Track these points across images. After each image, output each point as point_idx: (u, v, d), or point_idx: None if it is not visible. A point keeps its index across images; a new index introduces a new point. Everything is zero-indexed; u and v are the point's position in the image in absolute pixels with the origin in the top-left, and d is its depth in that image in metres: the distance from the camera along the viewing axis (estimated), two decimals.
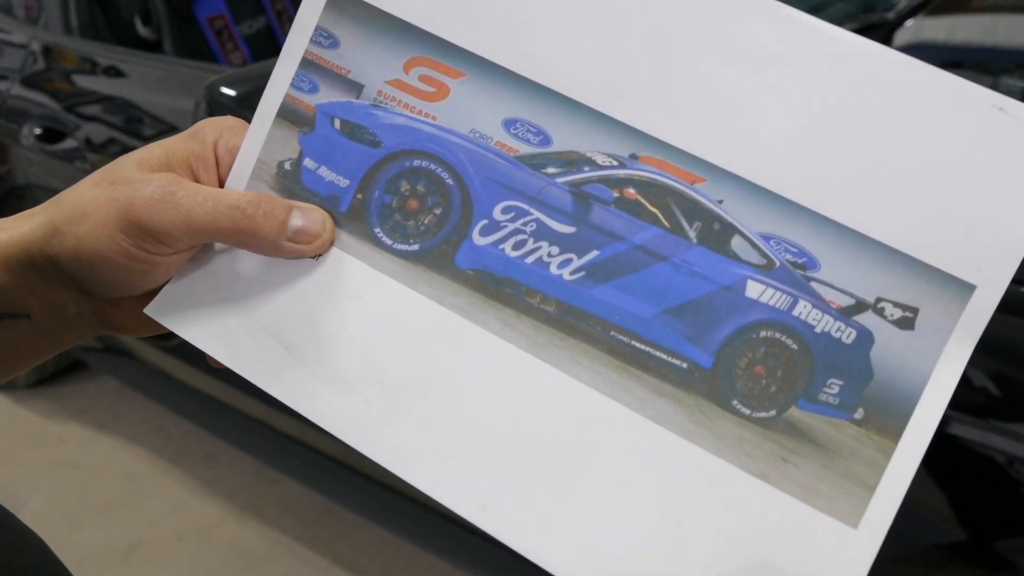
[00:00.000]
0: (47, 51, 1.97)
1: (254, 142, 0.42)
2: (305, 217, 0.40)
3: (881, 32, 1.51)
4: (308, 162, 0.41)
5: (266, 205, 0.40)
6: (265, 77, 1.39)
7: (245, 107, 1.29)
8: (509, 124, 0.39)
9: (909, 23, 1.57)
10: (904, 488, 0.33)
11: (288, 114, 0.42)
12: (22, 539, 0.38)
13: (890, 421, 0.33)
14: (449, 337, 0.38)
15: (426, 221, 0.40)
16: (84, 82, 1.90)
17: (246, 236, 0.39)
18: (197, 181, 0.42)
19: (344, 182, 0.41)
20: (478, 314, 0.38)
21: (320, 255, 0.41)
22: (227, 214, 0.39)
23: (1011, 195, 0.33)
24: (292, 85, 0.42)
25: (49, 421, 2.38)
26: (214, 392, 1.87)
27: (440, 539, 1.53)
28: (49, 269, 0.41)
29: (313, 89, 0.42)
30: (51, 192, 1.90)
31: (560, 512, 0.35)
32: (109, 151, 1.82)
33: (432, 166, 0.40)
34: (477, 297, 0.38)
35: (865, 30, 1.50)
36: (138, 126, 1.78)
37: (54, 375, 2.51)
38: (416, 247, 0.40)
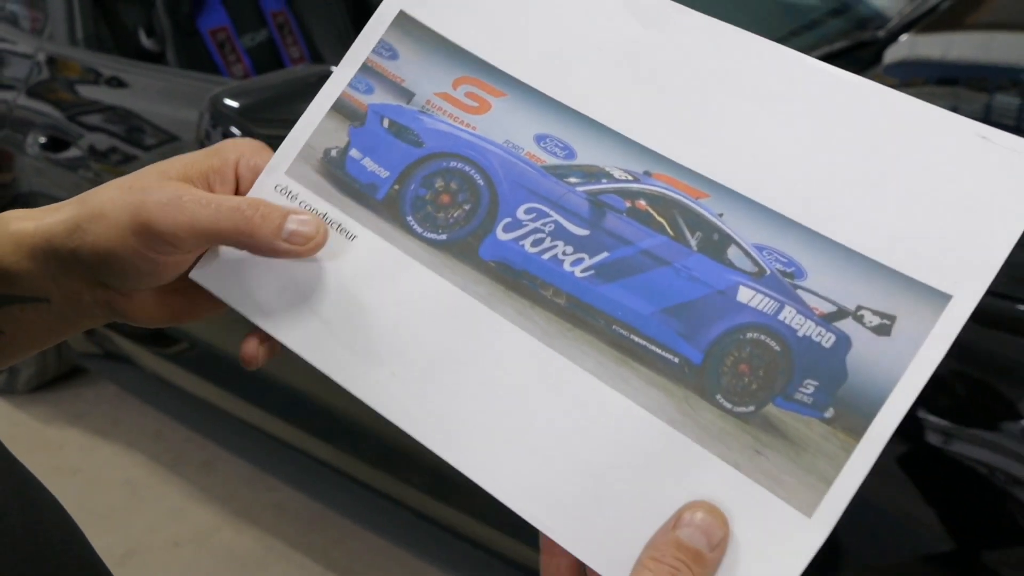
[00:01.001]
0: (52, 62, 2.00)
1: (305, 127, 0.47)
2: (300, 222, 0.43)
3: (873, 49, 1.53)
4: (354, 152, 0.46)
5: (264, 208, 0.43)
6: (268, 90, 1.40)
7: (248, 118, 1.31)
8: (540, 139, 0.43)
9: (903, 38, 1.59)
10: (858, 483, 0.35)
11: (342, 108, 0.46)
12: (64, 523, 0.41)
13: (855, 420, 0.36)
14: (469, 321, 0.42)
15: (455, 215, 0.43)
16: (88, 92, 1.92)
17: (244, 236, 0.42)
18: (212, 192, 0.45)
19: (384, 173, 0.45)
20: (496, 303, 0.42)
21: (322, 245, 0.44)
22: (228, 216, 0.42)
23: (990, 213, 0.36)
24: (350, 85, 0.47)
25: (48, 427, 2.39)
26: (211, 398, 1.89)
27: (433, 546, 1.55)
28: (69, 260, 0.44)
29: (368, 91, 0.46)
30: (54, 200, 1.92)
31: (558, 481, 0.39)
32: (111, 160, 1.84)
33: (466, 168, 0.44)
34: (497, 287, 0.42)
35: (857, 48, 1.53)
36: (140, 136, 1.80)
37: (54, 380, 2.52)
38: (444, 237, 0.43)
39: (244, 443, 1.91)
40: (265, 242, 0.42)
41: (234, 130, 1.33)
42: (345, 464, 1.66)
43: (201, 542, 2.00)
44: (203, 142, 1.41)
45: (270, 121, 1.31)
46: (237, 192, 0.46)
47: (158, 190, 0.43)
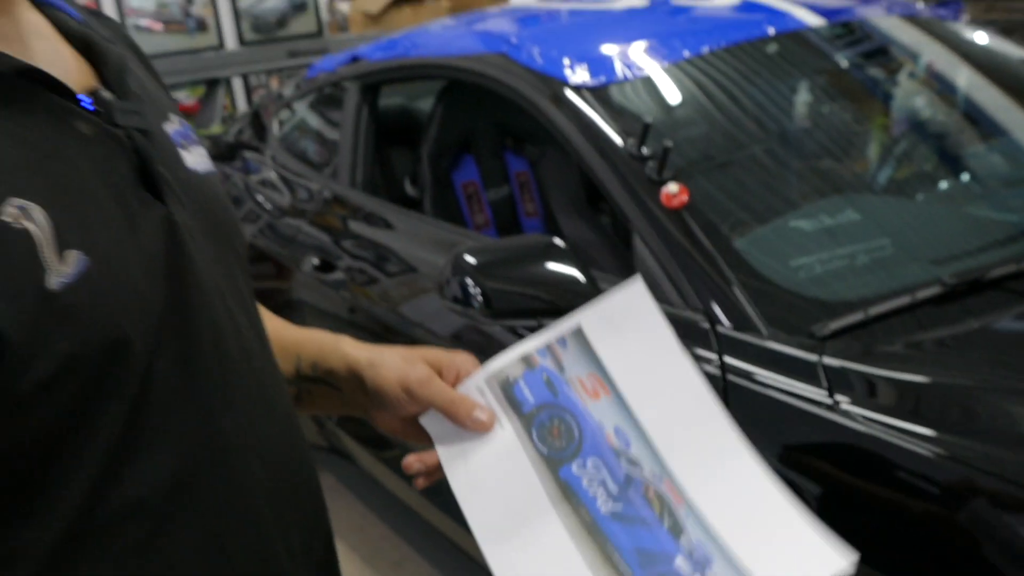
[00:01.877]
0: (333, 198, 2.40)
1: (503, 361, 0.81)
2: (480, 411, 0.79)
3: None
4: (521, 383, 0.81)
5: (467, 400, 0.79)
6: (500, 251, 1.68)
7: (480, 273, 1.56)
8: (616, 430, 0.77)
9: None
10: None
11: (525, 359, 0.82)
12: None
13: None
14: (539, 506, 0.75)
15: (556, 443, 0.77)
16: (356, 227, 2.29)
17: (450, 412, 0.79)
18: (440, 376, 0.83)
19: (531, 400, 0.80)
20: (555, 502, 0.74)
21: (489, 429, 0.79)
22: (447, 398, 0.79)
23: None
24: (535, 351, 0.81)
25: None
26: (410, 502, 2.12)
27: None
28: (359, 380, 0.83)
29: (543, 356, 0.81)
30: (316, 310, 2.28)
31: None
32: (358, 280, 2.19)
33: (572, 423, 0.78)
34: (558, 493, 0.75)
35: None
36: (385, 264, 2.13)
37: None
38: (546, 451, 0.77)
39: (433, 549, 2.10)
40: (461, 419, 0.79)
41: (467, 280, 1.58)
42: None
43: None
44: (443, 286, 1.67)
45: (497, 277, 1.55)
46: (454, 381, 0.82)
47: (419, 369, 0.81)
